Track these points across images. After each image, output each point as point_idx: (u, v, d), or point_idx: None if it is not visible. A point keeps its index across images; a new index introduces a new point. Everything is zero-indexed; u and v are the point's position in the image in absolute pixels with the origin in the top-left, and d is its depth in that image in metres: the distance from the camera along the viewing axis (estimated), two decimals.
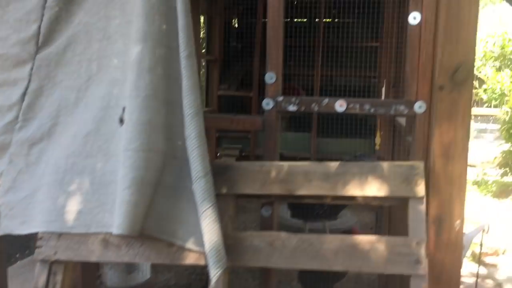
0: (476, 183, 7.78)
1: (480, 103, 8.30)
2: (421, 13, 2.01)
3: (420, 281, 1.84)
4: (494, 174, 8.12)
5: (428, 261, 1.94)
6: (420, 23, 2.03)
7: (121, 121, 2.04)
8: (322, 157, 5.88)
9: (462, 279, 4.43)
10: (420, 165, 1.96)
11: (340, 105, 2.13)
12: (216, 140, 6.38)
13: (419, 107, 2.06)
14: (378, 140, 4.10)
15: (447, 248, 1.97)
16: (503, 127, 7.05)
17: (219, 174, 2.09)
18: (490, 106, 7.49)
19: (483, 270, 4.67)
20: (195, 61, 2.06)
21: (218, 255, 1.88)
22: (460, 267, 1.97)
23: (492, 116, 9.29)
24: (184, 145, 2.02)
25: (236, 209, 2.13)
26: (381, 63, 5.29)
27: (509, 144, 7.03)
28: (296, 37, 6.12)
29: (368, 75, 6.40)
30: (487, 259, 4.89)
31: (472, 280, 4.27)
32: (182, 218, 2.02)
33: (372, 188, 1.96)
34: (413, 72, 2.06)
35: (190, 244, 1.98)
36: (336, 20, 6.88)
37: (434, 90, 1.97)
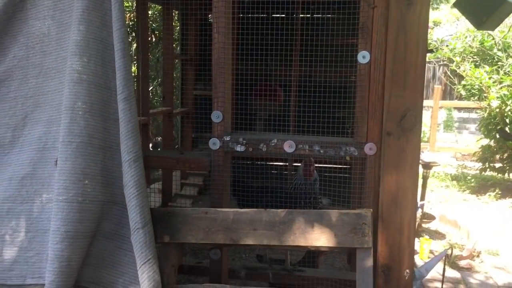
0: (455, 178, 7.76)
1: (460, 97, 8.23)
2: (370, 52, 1.91)
3: None
4: (474, 168, 8.11)
5: None
6: (369, 63, 1.93)
7: (56, 163, 1.94)
8: (299, 156, 5.81)
9: (436, 284, 4.44)
10: (367, 213, 1.89)
11: (289, 146, 2.05)
12: (192, 141, 6.27)
13: (370, 148, 1.98)
14: None
15: None
16: (482, 123, 6.99)
17: (161, 221, 2.00)
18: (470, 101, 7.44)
19: (457, 274, 4.63)
20: (134, 103, 1.96)
21: None
22: None
23: (473, 108, 9.25)
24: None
25: (180, 258, 2.05)
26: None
27: (487, 140, 6.98)
28: (273, 33, 5.98)
29: (347, 73, 6.28)
30: (462, 262, 4.84)
31: (445, 286, 4.24)
32: (122, 269, 1.94)
33: (319, 238, 1.89)
34: (363, 112, 1.97)
35: None
36: (314, 15, 6.74)
37: (383, 135, 1.89)
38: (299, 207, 2.40)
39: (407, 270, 1.89)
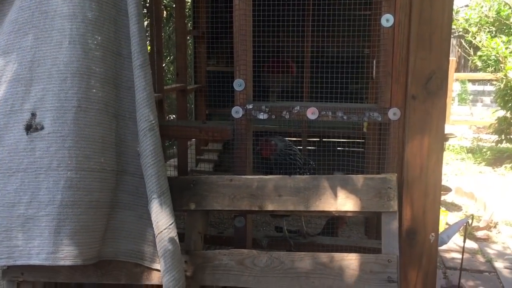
0: (471, 150, 7.72)
1: (475, 69, 8.12)
2: (394, 15, 1.89)
3: None
4: (489, 140, 8.05)
5: (401, 275, 1.90)
6: (393, 26, 1.90)
7: (29, 128, 1.83)
8: (312, 132, 5.80)
9: (452, 254, 4.45)
10: (392, 177, 1.88)
11: (312, 113, 2.04)
12: (206, 117, 6.27)
13: (394, 114, 1.97)
14: (365, 122, 3.96)
15: (421, 262, 1.91)
16: (498, 94, 6.91)
17: (187, 189, 2.02)
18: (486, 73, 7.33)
19: (474, 245, 4.64)
20: (149, 70, 1.91)
21: (173, 280, 1.80)
22: (434, 280, 1.93)
23: (489, 80, 9.13)
24: (139, 161, 1.92)
25: (206, 225, 2.07)
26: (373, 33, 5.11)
27: (504, 111, 6.91)
28: (286, 7, 5.91)
29: (360, 45, 6.22)
30: (479, 233, 4.84)
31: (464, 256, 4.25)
32: (147, 238, 1.95)
33: (344, 203, 1.89)
34: (386, 77, 1.95)
35: (157, 265, 1.93)
36: None
37: (407, 98, 1.87)
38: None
39: (433, 234, 1.89)
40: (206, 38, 6.32)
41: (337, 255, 1.86)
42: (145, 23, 7.30)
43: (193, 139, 6.38)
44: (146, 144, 1.87)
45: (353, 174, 1.95)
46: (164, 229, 1.83)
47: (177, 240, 1.86)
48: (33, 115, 1.82)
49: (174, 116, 7.67)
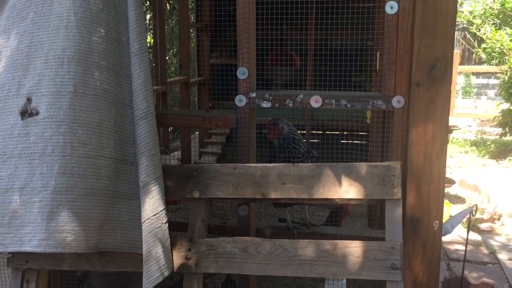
0: (475, 143, 7.69)
1: (479, 62, 8.08)
2: (399, 2, 1.88)
3: (396, 287, 1.80)
4: (493, 133, 8.02)
5: (405, 263, 1.90)
6: (397, 13, 1.89)
7: (24, 114, 1.82)
8: (316, 125, 5.79)
9: (456, 246, 4.45)
10: (396, 165, 1.88)
11: (316, 101, 2.04)
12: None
13: (397, 102, 1.96)
14: (369, 113, 3.96)
15: (425, 249, 1.91)
16: (502, 86, 6.88)
17: (190, 178, 2.02)
18: (490, 65, 7.29)
19: (477, 237, 4.64)
20: (146, 56, 1.90)
21: (153, 267, 1.82)
22: (438, 267, 1.92)
23: (493, 73, 9.08)
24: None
25: (210, 213, 2.07)
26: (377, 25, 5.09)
27: (508, 104, 6.88)
28: None
29: (363, 37, 6.19)
30: (482, 225, 4.85)
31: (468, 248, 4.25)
32: None
33: (348, 191, 1.89)
34: (390, 64, 1.95)
35: None
36: None
37: (411, 86, 1.87)
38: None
39: (436, 221, 1.89)
40: (209, 30, 6.32)
41: (341, 243, 1.86)
42: (148, 16, 7.30)
43: (197, 133, 6.39)
44: (138, 132, 1.87)
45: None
46: (147, 219, 1.83)
47: (163, 229, 1.85)
48: (29, 100, 1.81)
49: (177, 108, 7.67)
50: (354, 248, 1.84)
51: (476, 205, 2.87)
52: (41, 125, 1.78)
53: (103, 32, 1.87)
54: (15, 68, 1.85)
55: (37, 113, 1.79)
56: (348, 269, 1.83)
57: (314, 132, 6.08)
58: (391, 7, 1.90)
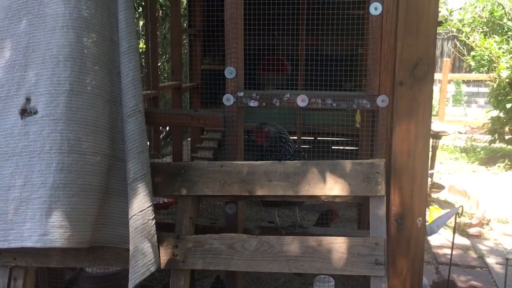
0: (465, 150, 7.77)
1: (469, 70, 8.18)
2: (382, 3, 1.92)
3: (380, 282, 1.83)
4: (483, 140, 8.10)
5: (389, 259, 1.92)
6: (381, 14, 1.94)
7: (24, 113, 1.86)
8: (307, 130, 5.82)
9: (445, 250, 4.48)
10: (380, 163, 1.92)
11: (302, 100, 2.07)
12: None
13: (382, 101, 2.00)
14: (358, 117, 4.00)
15: (409, 246, 1.94)
16: (491, 94, 6.96)
17: (178, 175, 2.05)
18: (479, 73, 7.38)
19: (466, 242, 4.68)
20: (135, 55, 1.95)
21: (139, 263, 1.85)
22: (421, 264, 1.95)
23: (483, 81, 9.18)
24: None
25: (197, 210, 2.09)
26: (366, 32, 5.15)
27: (497, 111, 6.96)
28: (279, 5, 5.95)
29: (354, 44, 6.26)
30: (471, 230, 4.89)
31: (455, 252, 4.29)
32: None
33: (332, 188, 1.92)
34: (375, 64, 1.99)
35: None
36: None
37: (395, 85, 1.90)
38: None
39: (420, 218, 1.92)
40: (201, 36, 6.36)
41: (326, 239, 1.89)
42: (141, 22, 7.34)
43: (189, 139, 6.40)
44: (126, 129, 1.92)
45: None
46: (133, 215, 1.86)
47: (149, 225, 1.88)
48: (28, 99, 1.86)
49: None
50: (338, 244, 1.87)
51: (462, 206, 2.91)
52: (40, 124, 1.83)
53: (97, 32, 1.92)
54: (14, 69, 1.90)
55: (35, 112, 1.84)
56: (332, 264, 1.85)
57: (305, 138, 6.11)
58: (375, 8, 1.94)
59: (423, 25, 1.82)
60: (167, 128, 7.98)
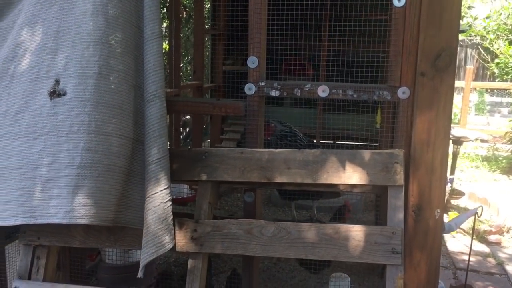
0: (486, 158, 7.66)
1: (492, 77, 8.08)
2: None
3: (396, 271, 1.83)
4: (505, 149, 7.99)
5: (406, 251, 1.92)
6: (404, 6, 1.95)
7: (53, 94, 1.92)
8: (327, 134, 5.82)
9: (463, 257, 4.43)
10: (399, 153, 1.92)
11: (323, 91, 2.09)
12: (222, 117, 6.33)
13: (403, 92, 2.01)
14: (378, 118, 3.99)
15: (426, 238, 1.94)
16: None
17: (198, 161, 2.08)
18: (503, 81, 7.28)
19: (485, 249, 4.63)
20: (158, 42, 2.00)
21: (149, 243, 1.90)
22: (438, 257, 1.95)
23: (507, 90, 9.06)
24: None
25: (217, 196, 2.12)
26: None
27: None
28: (303, 9, 5.98)
29: (376, 49, 6.25)
30: (491, 237, 4.83)
31: (473, 259, 4.25)
32: None
33: (351, 177, 1.93)
34: (396, 56, 2.00)
35: None
36: None
37: (416, 75, 1.91)
38: None
39: (438, 210, 1.92)
40: (224, 38, 6.42)
41: (343, 226, 1.90)
42: (165, 24, 7.44)
43: (208, 141, 6.46)
44: (146, 114, 1.98)
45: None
46: (147, 196, 1.92)
47: (163, 208, 1.93)
48: (57, 81, 1.92)
49: (188, 116, 7.76)
50: (355, 232, 1.88)
51: (481, 206, 2.88)
52: (68, 105, 1.89)
53: (124, 18, 1.97)
54: (44, 52, 1.96)
55: (64, 94, 1.90)
56: (349, 252, 1.86)
57: (324, 142, 6.11)
58: (399, 0, 1.96)
59: (446, 16, 1.83)
60: (187, 129, 8.05)
